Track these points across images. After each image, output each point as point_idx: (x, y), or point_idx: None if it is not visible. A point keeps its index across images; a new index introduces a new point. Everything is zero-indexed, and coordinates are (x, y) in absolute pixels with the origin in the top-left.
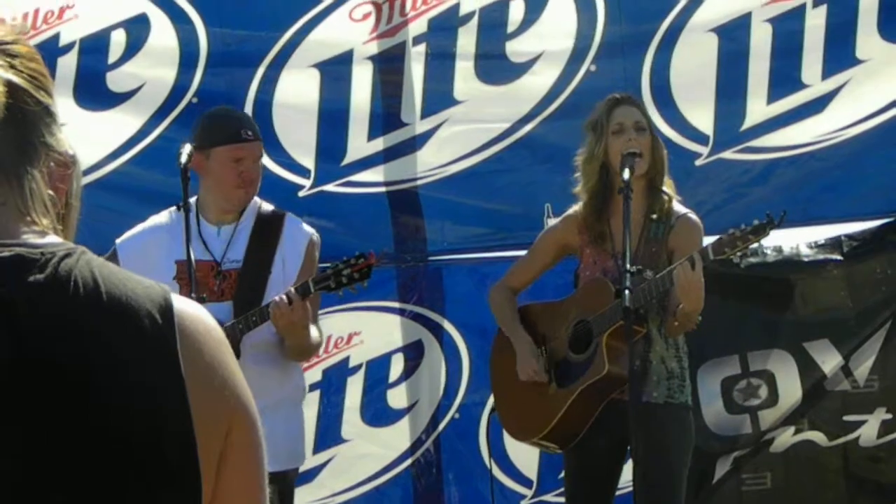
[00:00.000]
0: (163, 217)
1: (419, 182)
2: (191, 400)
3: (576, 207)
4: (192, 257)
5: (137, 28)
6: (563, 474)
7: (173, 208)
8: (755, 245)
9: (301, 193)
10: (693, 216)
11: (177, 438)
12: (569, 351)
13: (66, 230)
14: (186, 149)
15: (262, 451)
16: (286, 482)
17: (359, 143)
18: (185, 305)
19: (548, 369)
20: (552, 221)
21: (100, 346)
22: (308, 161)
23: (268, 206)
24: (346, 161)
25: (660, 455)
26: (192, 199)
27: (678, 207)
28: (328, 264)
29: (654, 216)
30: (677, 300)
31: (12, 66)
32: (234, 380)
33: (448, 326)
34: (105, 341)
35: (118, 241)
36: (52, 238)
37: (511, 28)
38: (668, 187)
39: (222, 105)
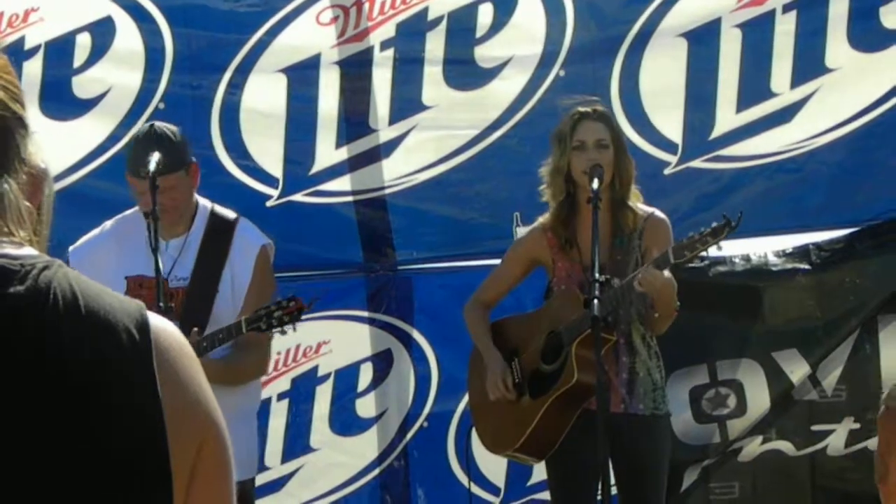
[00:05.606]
0: (116, 224)
1: (387, 191)
2: (165, 415)
3: (541, 219)
4: (161, 267)
5: (102, 31)
6: (531, 482)
7: (130, 212)
8: (715, 250)
9: (269, 203)
10: (658, 213)
11: (151, 453)
12: (541, 362)
13: (39, 243)
14: (155, 157)
15: (232, 467)
16: (244, 492)
17: (327, 151)
18: (160, 322)
19: (518, 381)
20: (521, 230)
21: (79, 358)
22: (276, 169)
23: (221, 212)
24: (315, 170)
25: (648, 470)
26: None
27: (642, 210)
28: (296, 272)
29: (623, 232)
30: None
31: None
32: (206, 396)
33: (417, 336)
34: (84, 353)
35: (71, 248)
36: (29, 250)
37: (480, 33)
38: (634, 199)
39: (153, 125)
